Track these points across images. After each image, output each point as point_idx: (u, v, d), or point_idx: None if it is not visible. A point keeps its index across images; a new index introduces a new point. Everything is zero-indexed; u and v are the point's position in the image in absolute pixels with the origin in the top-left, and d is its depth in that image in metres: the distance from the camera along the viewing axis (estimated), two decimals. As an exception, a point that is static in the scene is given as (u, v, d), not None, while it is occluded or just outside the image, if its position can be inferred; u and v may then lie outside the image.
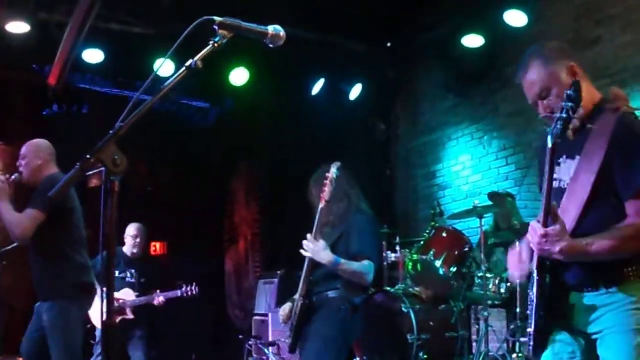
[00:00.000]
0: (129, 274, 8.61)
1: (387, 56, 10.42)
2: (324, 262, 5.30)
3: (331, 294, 5.43)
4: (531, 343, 3.42)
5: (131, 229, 8.75)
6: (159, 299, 8.57)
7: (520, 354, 6.50)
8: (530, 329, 3.40)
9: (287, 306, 5.69)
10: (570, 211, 3.34)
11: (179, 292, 8.72)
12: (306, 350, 5.42)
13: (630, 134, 3.26)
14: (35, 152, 6.22)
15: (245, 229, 12.38)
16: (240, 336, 9.87)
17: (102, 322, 2.41)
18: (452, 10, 9.19)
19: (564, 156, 3.50)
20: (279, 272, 9.97)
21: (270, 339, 9.10)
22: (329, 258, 5.28)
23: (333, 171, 5.46)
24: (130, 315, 8.36)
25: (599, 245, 3.23)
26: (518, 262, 3.65)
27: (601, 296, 3.32)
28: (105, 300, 2.36)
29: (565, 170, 3.48)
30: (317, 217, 5.44)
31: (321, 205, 5.44)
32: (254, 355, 9.40)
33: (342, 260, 5.30)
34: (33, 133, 7.02)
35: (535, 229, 3.29)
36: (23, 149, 6.28)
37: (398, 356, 7.32)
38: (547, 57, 3.53)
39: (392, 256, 8.22)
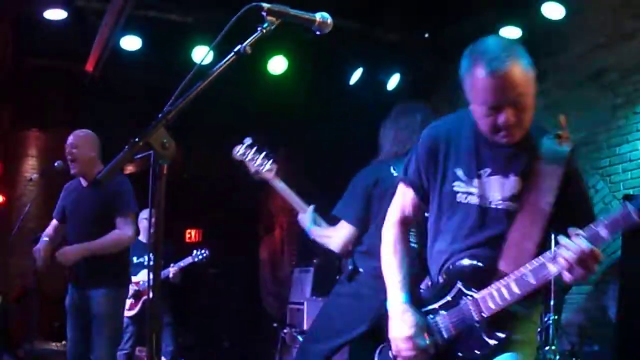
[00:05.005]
0: (147, 259, 8.64)
1: (425, 47, 10.35)
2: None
3: None
4: None
5: (144, 214, 8.73)
6: (172, 270, 8.59)
7: (554, 346, 6.43)
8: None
9: None
10: (524, 239, 3.02)
11: (190, 259, 8.75)
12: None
13: (577, 174, 3.14)
14: (90, 144, 6.12)
15: (282, 218, 12.39)
16: (274, 325, 9.88)
17: (148, 302, 2.46)
18: (489, 2, 9.11)
19: (488, 169, 3.14)
20: (314, 260, 9.95)
21: (305, 327, 9.10)
22: (305, 226, 5.18)
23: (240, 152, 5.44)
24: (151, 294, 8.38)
25: None
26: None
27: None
28: (151, 283, 2.38)
29: (491, 186, 3.12)
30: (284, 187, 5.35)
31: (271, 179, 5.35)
32: (288, 344, 9.41)
33: (313, 228, 5.16)
34: (69, 120, 7.02)
35: (581, 245, 2.73)
36: (72, 139, 6.09)
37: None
38: (530, 66, 2.97)
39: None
